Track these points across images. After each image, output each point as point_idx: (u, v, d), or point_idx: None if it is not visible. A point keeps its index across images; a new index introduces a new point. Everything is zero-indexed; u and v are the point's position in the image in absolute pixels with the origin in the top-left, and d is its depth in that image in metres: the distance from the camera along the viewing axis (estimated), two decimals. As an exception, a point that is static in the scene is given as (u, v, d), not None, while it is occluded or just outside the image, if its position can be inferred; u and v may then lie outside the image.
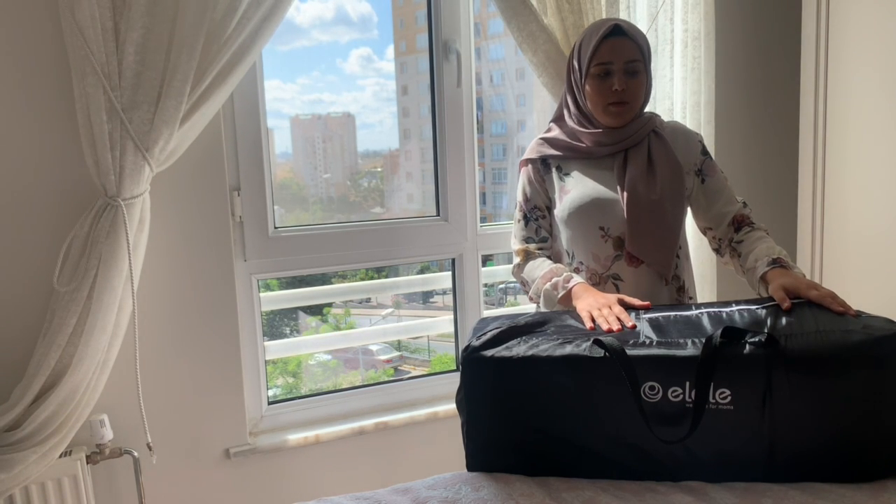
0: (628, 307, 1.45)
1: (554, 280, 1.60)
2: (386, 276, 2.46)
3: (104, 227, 1.63)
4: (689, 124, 2.25)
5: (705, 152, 1.70)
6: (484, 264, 2.37)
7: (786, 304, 1.34)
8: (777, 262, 1.49)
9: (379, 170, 2.45)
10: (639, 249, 1.61)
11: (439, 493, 1.31)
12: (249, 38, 1.69)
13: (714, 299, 2.34)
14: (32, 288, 1.71)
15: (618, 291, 1.61)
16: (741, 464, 1.28)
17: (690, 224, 1.78)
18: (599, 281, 1.64)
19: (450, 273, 2.37)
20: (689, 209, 1.72)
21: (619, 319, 1.38)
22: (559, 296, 1.58)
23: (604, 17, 2.09)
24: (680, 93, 2.25)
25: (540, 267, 1.66)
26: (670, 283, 1.66)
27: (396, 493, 1.34)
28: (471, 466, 1.41)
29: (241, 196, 2.00)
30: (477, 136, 2.29)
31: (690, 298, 1.73)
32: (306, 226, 2.18)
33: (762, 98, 2.54)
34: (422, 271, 2.52)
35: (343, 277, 2.43)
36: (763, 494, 1.23)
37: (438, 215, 2.29)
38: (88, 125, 1.59)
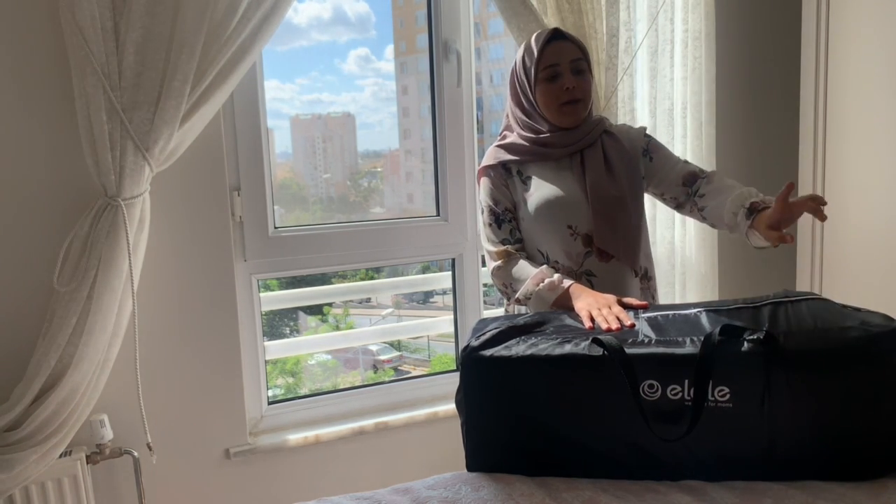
0: (627, 307, 1.46)
1: (547, 281, 1.60)
2: (386, 276, 2.46)
3: (104, 227, 1.63)
4: (690, 124, 2.26)
5: (647, 136, 1.77)
6: (484, 264, 2.36)
7: (821, 216, 1.42)
8: (753, 209, 1.52)
9: (379, 170, 2.46)
10: (607, 245, 1.65)
11: (439, 493, 1.31)
12: (249, 38, 1.69)
13: (714, 299, 2.34)
14: (32, 288, 1.71)
15: (591, 287, 1.63)
16: (740, 462, 1.27)
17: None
18: (574, 278, 1.65)
19: (450, 273, 2.37)
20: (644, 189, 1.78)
21: (618, 319, 1.38)
22: (555, 296, 1.58)
23: (604, 16, 2.09)
24: (680, 93, 2.25)
25: (526, 269, 1.66)
26: (639, 274, 1.72)
27: (396, 493, 1.34)
28: (471, 466, 1.41)
29: (241, 196, 2.00)
30: (477, 136, 2.29)
31: (652, 281, 1.78)
32: (306, 226, 2.18)
33: (762, 98, 2.54)
34: (422, 271, 2.52)
35: (343, 277, 2.43)
36: (763, 494, 1.23)
37: (438, 215, 2.29)
38: (88, 125, 1.59)
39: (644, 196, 1.76)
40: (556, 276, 1.60)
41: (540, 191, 1.69)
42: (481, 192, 1.77)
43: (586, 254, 1.67)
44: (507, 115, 1.81)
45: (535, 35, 1.72)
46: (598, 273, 1.67)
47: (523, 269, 1.66)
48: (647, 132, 1.78)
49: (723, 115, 2.39)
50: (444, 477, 1.38)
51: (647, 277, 1.76)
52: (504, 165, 1.74)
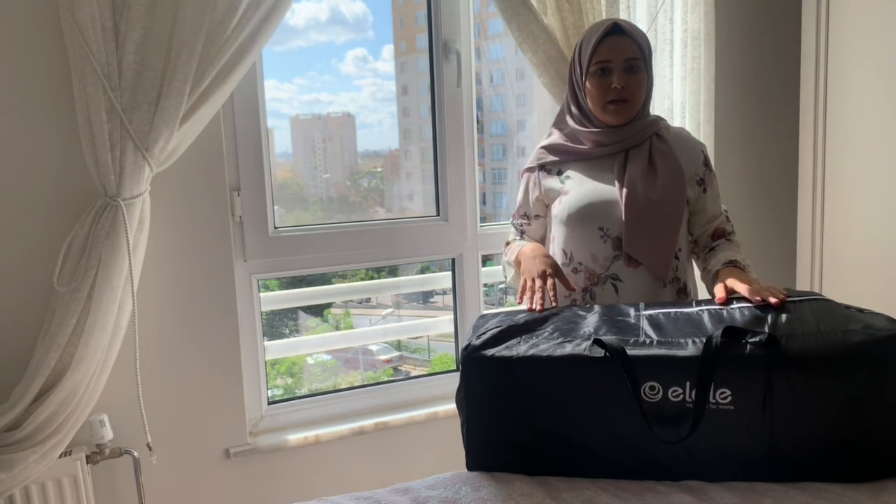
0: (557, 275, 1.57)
1: (509, 248, 1.79)
2: (386, 276, 2.46)
3: (104, 227, 1.63)
4: (689, 124, 2.25)
5: (707, 163, 1.69)
6: (484, 264, 2.37)
7: (718, 298, 1.40)
8: (732, 263, 1.52)
9: (379, 170, 2.45)
10: (636, 250, 1.60)
11: (439, 493, 1.31)
12: (249, 39, 1.69)
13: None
14: (32, 288, 1.71)
15: (616, 292, 1.61)
16: (741, 463, 1.28)
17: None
18: (598, 281, 1.63)
19: (450, 273, 2.36)
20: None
21: (542, 300, 1.47)
22: (512, 258, 1.72)
23: (604, 17, 2.09)
24: (679, 93, 2.25)
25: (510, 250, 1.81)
26: (669, 285, 1.65)
27: (396, 493, 1.34)
28: (471, 466, 1.41)
29: (241, 196, 2.00)
30: (477, 136, 2.29)
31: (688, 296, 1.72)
32: (306, 226, 2.18)
33: (762, 98, 2.54)
34: (422, 271, 2.52)
35: (343, 277, 2.43)
36: (763, 494, 1.23)
37: (438, 215, 2.29)
38: (88, 125, 1.59)
39: (685, 209, 1.67)
40: (517, 241, 1.76)
41: (576, 189, 1.66)
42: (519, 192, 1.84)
43: (614, 258, 1.62)
44: (563, 102, 1.79)
45: (596, 24, 1.67)
46: (625, 279, 1.61)
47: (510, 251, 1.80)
48: (706, 157, 1.70)
49: (722, 114, 2.39)
50: (444, 477, 1.38)
51: (684, 292, 1.69)
52: (542, 167, 1.74)
